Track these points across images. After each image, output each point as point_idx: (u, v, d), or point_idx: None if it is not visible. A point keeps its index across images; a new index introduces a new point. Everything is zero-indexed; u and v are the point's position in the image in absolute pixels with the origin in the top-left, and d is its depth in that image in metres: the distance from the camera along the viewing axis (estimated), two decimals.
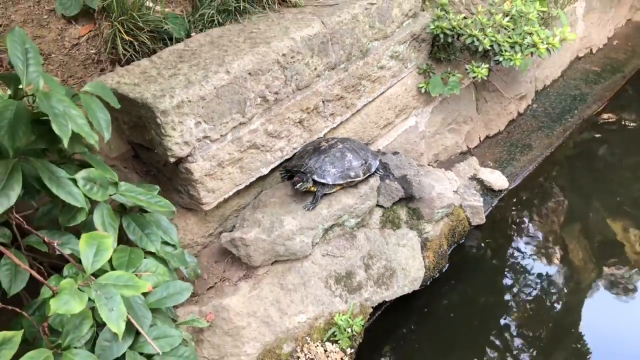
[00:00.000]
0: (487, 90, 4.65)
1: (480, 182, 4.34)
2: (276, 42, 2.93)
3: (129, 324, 2.13)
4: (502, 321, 4.00)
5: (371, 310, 3.37)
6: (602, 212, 4.90)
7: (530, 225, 4.75)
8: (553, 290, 4.27)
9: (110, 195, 2.29)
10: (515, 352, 3.81)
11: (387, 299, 3.44)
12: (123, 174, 2.88)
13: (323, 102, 3.34)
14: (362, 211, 3.33)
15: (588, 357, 3.78)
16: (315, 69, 3.17)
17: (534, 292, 4.25)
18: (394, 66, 3.78)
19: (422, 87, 4.00)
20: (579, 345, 3.85)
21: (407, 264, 3.49)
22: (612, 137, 5.37)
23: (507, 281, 4.27)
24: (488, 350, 3.83)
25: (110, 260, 2.29)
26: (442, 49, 4.01)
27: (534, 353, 3.76)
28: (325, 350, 3.03)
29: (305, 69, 3.11)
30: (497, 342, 3.88)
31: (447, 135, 4.43)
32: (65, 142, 1.82)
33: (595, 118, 5.52)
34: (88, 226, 2.29)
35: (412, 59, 3.91)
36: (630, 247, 4.60)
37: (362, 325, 3.23)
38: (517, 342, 3.89)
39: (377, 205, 3.56)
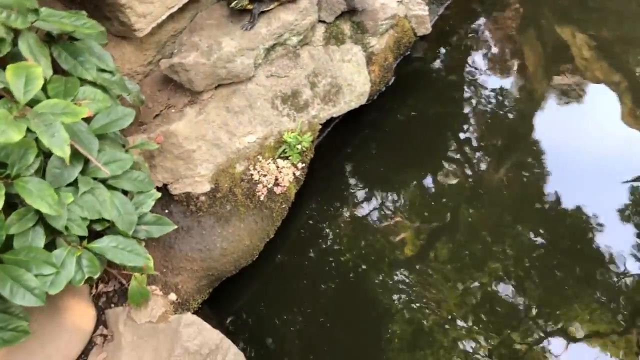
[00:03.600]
0: None
1: None
2: None
3: (77, 151, 2.17)
4: (455, 131, 4.19)
5: (320, 126, 3.47)
6: (551, 19, 4.92)
7: (479, 34, 4.77)
8: (506, 100, 4.43)
9: (32, 23, 2.18)
10: (471, 160, 4.05)
11: (334, 115, 3.52)
12: (45, 3, 2.71)
13: None
14: (303, 28, 3.27)
15: (542, 158, 4.06)
16: None
17: (486, 102, 4.40)
18: None
19: None
20: (534, 148, 4.11)
21: (353, 79, 3.52)
22: None
23: (456, 92, 4.38)
24: (442, 160, 4.05)
25: (45, 92, 2.25)
26: None
27: (488, 159, 3.99)
28: (277, 167, 3.16)
29: None
30: (451, 152, 4.10)
31: None
32: None
33: None
34: (16, 58, 2.21)
35: None
36: (577, 51, 4.71)
37: (312, 142, 3.35)
38: (471, 150, 4.12)
39: (320, 21, 3.48)
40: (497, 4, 4.99)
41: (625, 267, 3.56)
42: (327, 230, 3.65)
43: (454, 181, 4.00)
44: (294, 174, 3.22)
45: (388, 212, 3.83)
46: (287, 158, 3.23)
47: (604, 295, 3.44)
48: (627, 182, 3.90)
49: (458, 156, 4.12)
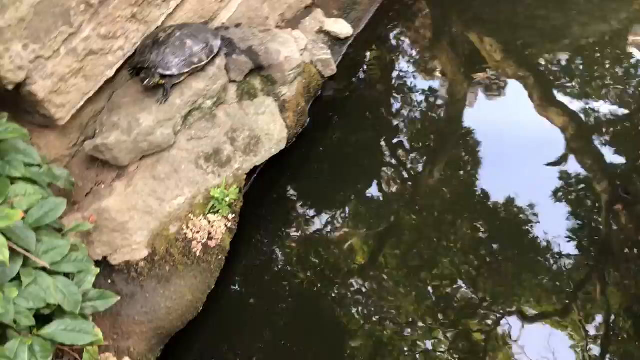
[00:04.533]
0: None
1: (327, 34, 4.60)
2: None
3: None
4: (386, 142, 4.54)
5: (245, 176, 3.74)
6: (460, 26, 5.39)
7: (382, 60, 5.17)
8: (431, 105, 4.83)
9: None
10: (406, 165, 4.39)
11: (257, 164, 3.80)
12: None
13: None
14: (215, 91, 3.54)
15: (473, 153, 4.46)
16: None
17: (411, 110, 4.81)
18: None
19: None
20: (463, 145, 4.50)
21: (270, 129, 3.82)
22: None
23: (381, 109, 4.74)
24: (377, 170, 4.38)
25: None
26: None
27: (423, 162, 4.37)
28: (209, 222, 3.42)
29: None
30: (385, 162, 4.43)
31: None
32: None
33: None
34: None
35: None
36: (487, 54, 5.18)
37: (239, 192, 3.62)
38: (405, 156, 4.46)
39: (231, 81, 3.76)
40: (405, 22, 5.46)
41: (561, 248, 3.90)
42: (276, 257, 3.90)
43: (393, 188, 4.33)
44: (225, 225, 3.48)
45: (333, 226, 4.10)
46: (217, 212, 3.48)
47: (547, 278, 3.76)
48: (549, 164, 4.31)
49: (393, 161, 4.45)
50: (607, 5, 5.37)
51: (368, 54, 5.15)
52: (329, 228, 4.09)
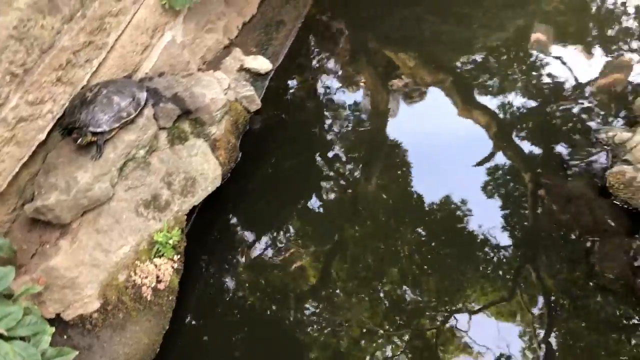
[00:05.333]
0: None
1: (248, 71, 4.84)
2: (2, 17, 3.00)
3: None
4: (322, 159, 4.81)
5: (185, 217, 3.91)
6: (375, 43, 5.73)
7: (305, 84, 5.46)
8: (358, 118, 5.15)
9: None
10: (344, 178, 4.66)
11: (196, 204, 3.98)
12: None
13: (74, 53, 3.50)
14: (146, 140, 3.71)
15: (406, 155, 4.78)
16: (53, 27, 3.30)
17: (341, 125, 5.12)
18: None
19: (165, 3, 4.24)
20: (395, 152, 4.80)
21: (204, 169, 4.01)
22: None
23: (304, 136, 5.01)
24: (317, 187, 4.63)
25: None
26: None
27: (359, 173, 4.67)
28: (156, 266, 3.57)
29: (43, 32, 3.23)
30: (323, 178, 4.68)
31: (206, 37, 4.77)
32: None
33: None
34: None
35: None
36: (403, 64, 5.54)
37: (181, 233, 3.78)
38: (342, 169, 4.74)
39: (161, 128, 3.94)
40: (323, 45, 5.77)
41: (497, 238, 4.23)
42: (226, 289, 4.06)
43: (334, 203, 4.58)
44: (172, 267, 3.64)
45: (281, 249, 4.29)
46: (162, 255, 3.64)
47: (488, 269, 4.08)
48: (477, 165, 4.66)
49: (331, 177, 4.71)
50: (503, 15, 5.86)
51: (291, 82, 5.44)
52: (276, 252, 4.29)
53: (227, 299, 4.02)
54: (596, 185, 4.24)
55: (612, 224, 4.04)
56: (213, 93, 4.14)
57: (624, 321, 3.71)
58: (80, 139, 3.33)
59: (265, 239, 4.36)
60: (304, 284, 4.10)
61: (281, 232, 4.40)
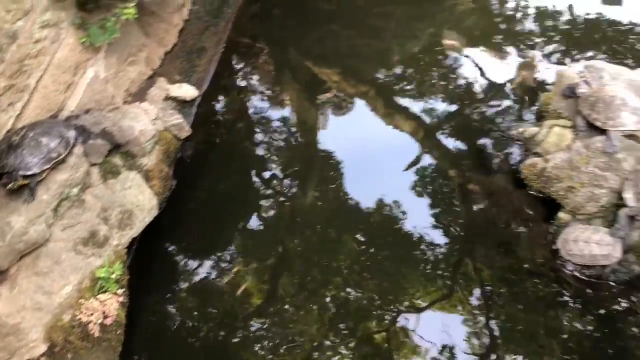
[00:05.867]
0: (147, 15, 5.03)
1: (174, 99, 4.91)
2: None
3: None
4: (258, 177, 4.94)
5: (126, 250, 3.94)
6: (298, 59, 5.90)
7: (234, 106, 5.59)
8: (289, 132, 5.31)
9: None
10: (281, 193, 4.79)
11: (135, 235, 4.01)
12: None
13: None
14: (79, 179, 3.73)
15: (339, 165, 4.97)
16: None
17: (273, 141, 5.24)
18: (49, 34, 3.95)
19: (85, 40, 4.26)
20: (329, 162, 5.00)
21: (139, 200, 4.05)
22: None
23: (237, 157, 5.12)
24: (255, 204, 4.73)
25: None
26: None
27: (296, 187, 4.82)
28: (100, 302, 3.58)
29: None
30: (261, 194, 4.81)
31: (129, 69, 4.81)
32: None
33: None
34: None
35: (63, 19, 4.10)
36: (327, 77, 5.74)
37: (123, 266, 3.81)
38: (278, 185, 4.88)
39: (92, 165, 3.95)
40: (247, 66, 5.91)
41: (432, 237, 4.46)
42: (173, 318, 4.08)
43: (274, 219, 4.69)
44: (117, 301, 3.66)
45: (225, 271, 4.35)
46: (106, 291, 3.65)
47: (428, 267, 4.29)
48: (407, 168, 4.90)
49: (268, 194, 4.84)
50: (414, 26, 6.21)
51: (219, 105, 5.55)
52: (220, 274, 4.34)
53: (175, 329, 4.03)
54: (514, 178, 4.56)
55: (531, 212, 4.37)
56: (141, 125, 4.20)
57: (556, 299, 4.00)
58: (10, 184, 3.32)
59: (208, 263, 4.42)
60: (251, 304, 4.17)
61: (223, 253, 4.48)
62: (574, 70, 4.72)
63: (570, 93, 4.41)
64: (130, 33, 4.81)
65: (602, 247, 3.79)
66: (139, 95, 4.86)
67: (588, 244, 3.82)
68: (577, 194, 4.05)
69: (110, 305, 3.59)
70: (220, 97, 5.65)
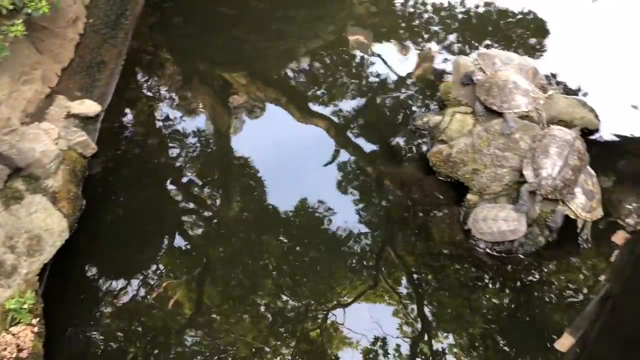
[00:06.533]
0: (37, 31, 4.81)
1: (76, 116, 4.72)
2: None
3: None
4: (178, 189, 4.85)
5: (37, 277, 3.75)
6: (205, 66, 5.81)
7: (142, 118, 5.44)
8: (205, 141, 5.23)
9: None
10: (204, 205, 4.72)
11: (46, 261, 3.84)
12: None
13: None
14: None
15: (259, 170, 4.95)
16: None
17: (188, 152, 5.14)
18: None
19: None
20: (248, 169, 4.97)
21: (47, 224, 3.88)
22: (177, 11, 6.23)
23: (151, 170, 5.00)
24: (178, 218, 4.65)
25: None
26: None
27: (218, 197, 4.76)
28: (14, 334, 3.40)
29: None
30: (183, 208, 4.72)
31: (23, 89, 4.58)
32: None
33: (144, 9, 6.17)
34: None
35: None
36: (236, 81, 5.69)
37: (36, 294, 3.63)
38: (200, 196, 4.79)
39: None
40: (153, 76, 5.77)
41: (357, 230, 4.55)
42: (99, 341, 3.94)
43: (197, 229, 4.61)
44: (32, 332, 3.48)
45: (151, 287, 4.24)
46: (19, 322, 3.47)
47: (354, 261, 4.37)
48: (325, 165, 4.97)
49: (189, 204, 4.76)
50: (316, 26, 6.29)
51: (125, 119, 5.39)
52: (149, 291, 4.24)
53: (100, 353, 3.90)
54: (424, 166, 4.74)
55: (442, 197, 4.57)
56: (42, 146, 4.03)
57: (476, 277, 4.21)
58: None
59: (134, 281, 4.30)
60: (183, 315, 4.10)
61: (148, 270, 4.38)
62: (469, 59, 4.96)
63: (468, 81, 4.65)
64: (21, 51, 4.59)
65: (509, 222, 4.01)
66: (37, 115, 4.63)
67: (496, 221, 4.03)
68: (482, 175, 4.27)
69: (24, 337, 3.41)
70: (127, 111, 5.48)
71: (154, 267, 4.39)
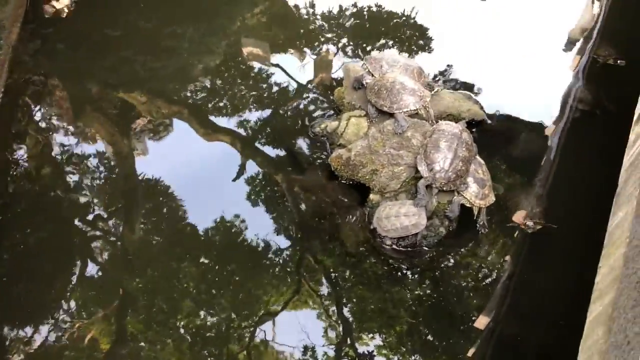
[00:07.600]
0: None
1: None
2: None
3: None
4: (77, 230, 4.64)
5: None
6: (97, 90, 5.61)
7: (35, 151, 5.18)
8: (104, 169, 5.09)
9: None
10: (110, 233, 4.60)
11: None
12: None
13: None
14: None
15: (168, 192, 4.84)
16: None
17: (87, 181, 4.96)
18: None
19: None
20: (157, 189, 4.86)
21: None
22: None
23: (49, 206, 4.79)
24: (85, 254, 4.45)
25: None
26: None
27: (122, 223, 4.63)
28: None
29: None
30: (88, 237, 4.57)
31: None
32: None
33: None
34: None
35: None
36: (135, 101, 5.54)
37: None
38: (103, 225, 4.64)
39: None
40: (40, 104, 5.52)
41: (275, 241, 4.53)
42: None
43: (105, 260, 4.42)
44: None
45: (64, 325, 4.04)
46: None
47: (276, 271, 4.36)
48: (234, 179, 4.95)
49: (95, 235, 4.58)
50: (206, 41, 6.24)
51: (16, 154, 5.11)
52: (59, 335, 4.03)
53: None
54: (327, 172, 4.83)
55: (346, 200, 4.67)
56: None
57: (394, 274, 4.31)
58: None
59: (41, 327, 4.07)
60: (101, 350, 3.94)
61: (56, 311, 4.15)
62: (358, 63, 5.11)
63: (358, 85, 4.79)
64: None
65: (410, 217, 4.16)
66: None
67: (398, 218, 4.17)
68: (381, 175, 4.41)
69: None
70: (15, 145, 5.21)
71: (64, 305, 4.18)
